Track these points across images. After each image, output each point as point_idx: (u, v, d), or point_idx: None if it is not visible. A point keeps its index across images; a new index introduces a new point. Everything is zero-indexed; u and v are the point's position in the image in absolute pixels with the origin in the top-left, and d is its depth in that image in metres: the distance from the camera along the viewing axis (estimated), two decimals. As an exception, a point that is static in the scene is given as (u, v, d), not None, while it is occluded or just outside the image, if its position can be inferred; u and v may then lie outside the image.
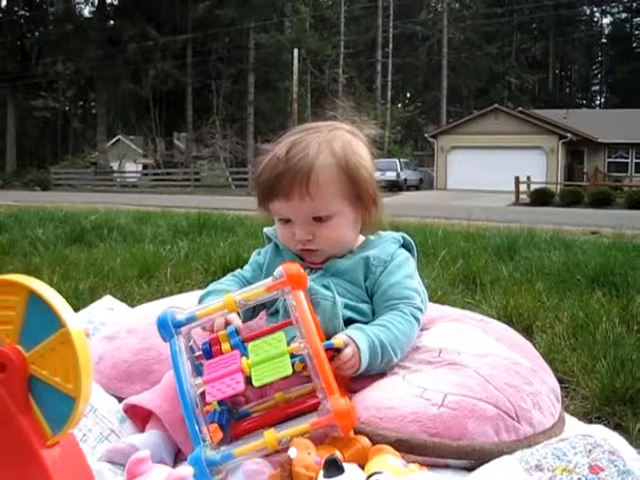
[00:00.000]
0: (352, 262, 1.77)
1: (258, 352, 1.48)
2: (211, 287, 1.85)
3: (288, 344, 1.47)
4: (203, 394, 1.45)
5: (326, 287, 1.73)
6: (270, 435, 1.38)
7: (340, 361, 1.53)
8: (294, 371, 1.45)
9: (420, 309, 1.75)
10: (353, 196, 1.74)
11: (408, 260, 1.82)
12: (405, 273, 1.77)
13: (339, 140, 1.76)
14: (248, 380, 1.45)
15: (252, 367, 1.45)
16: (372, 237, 1.85)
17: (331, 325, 1.67)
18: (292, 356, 1.45)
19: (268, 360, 1.45)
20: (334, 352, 1.53)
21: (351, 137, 1.80)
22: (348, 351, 1.53)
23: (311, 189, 1.68)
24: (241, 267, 1.97)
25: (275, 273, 1.54)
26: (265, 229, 1.94)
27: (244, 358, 1.48)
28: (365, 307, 1.75)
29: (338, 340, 1.53)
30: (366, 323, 1.69)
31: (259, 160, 1.80)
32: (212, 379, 1.46)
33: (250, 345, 1.52)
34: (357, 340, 1.55)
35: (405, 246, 1.86)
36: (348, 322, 1.70)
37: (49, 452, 0.85)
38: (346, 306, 1.72)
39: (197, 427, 1.41)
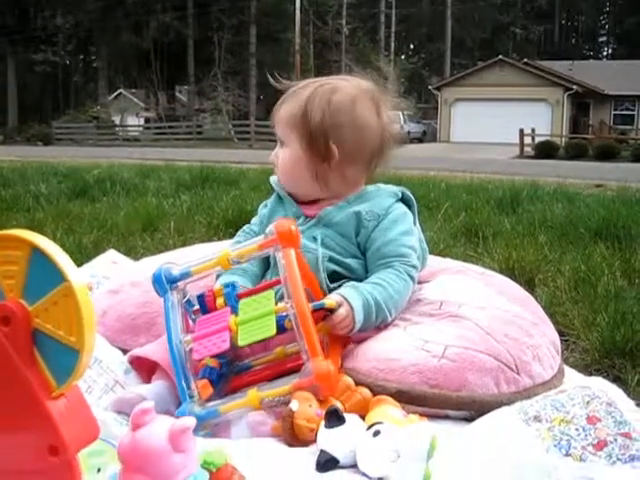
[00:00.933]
0: (344, 215, 1.75)
1: (246, 310, 1.49)
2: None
3: (277, 303, 1.47)
4: None
5: (314, 239, 1.72)
6: (253, 394, 1.39)
7: (333, 321, 1.53)
8: (285, 329, 1.45)
9: (415, 267, 1.73)
10: (307, 135, 1.75)
11: (405, 215, 1.79)
12: (401, 229, 1.74)
13: (333, 83, 1.80)
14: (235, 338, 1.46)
15: (239, 325, 1.45)
16: (370, 188, 1.83)
17: (317, 279, 1.67)
18: (282, 316, 1.45)
19: (254, 319, 1.45)
20: (327, 312, 1.53)
21: (356, 93, 1.79)
22: (341, 311, 1.53)
23: (277, 111, 1.82)
24: (245, 220, 1.98)
25: (267, 230, 1.54)
26: (271, 178, 1.94)
27: (233, 316, 1.48)
28: (353, 262, 1.74)
29: (330, 301, 1.53)
30: (354, 279, 1.69)
31: None
32: (201, 336, 1.46)
33: (241, 303, 1.53)
34: (351, 300, 1.55)
35: (405, 202, 1.83)
36: (334, 276, 1.70)
37: (55, 404, 0.86)
38: (332, 259, 1.71)
39: (185, 383, 1.43)
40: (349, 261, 1.74)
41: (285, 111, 1.79)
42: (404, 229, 1.76)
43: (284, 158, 1.81)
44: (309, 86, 1.80)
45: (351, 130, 1.76)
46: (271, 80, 1.91)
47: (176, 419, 1.03)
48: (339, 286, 1.65)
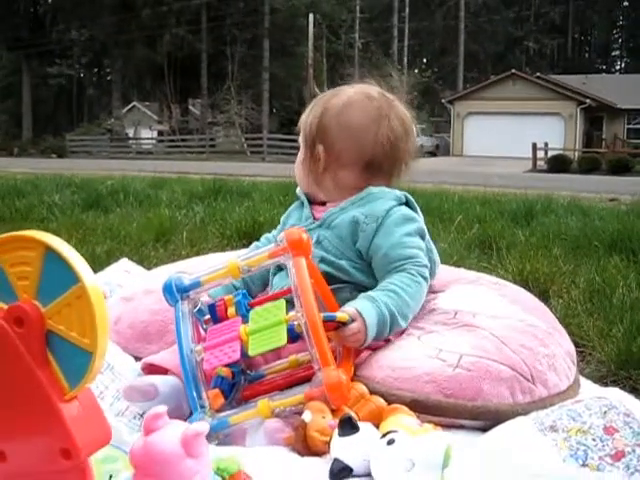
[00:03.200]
0: (343, 218, 1.75)
1: (257, 320, 1.48)
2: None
3: (288, 312, 1.46)
4: None
5: (318, 242, 1.73)
6: (264, 404, 1.38)
7: (344, 334, 1.52)
8: (297, 337, 1.44)
9: (426, 266, 1.72)
10: (303, 141, 1.86)
11: (407, 217, 1.76)
12: (404, 231, 1.73)
13: (356, 88, 1.87)
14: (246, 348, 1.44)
15: (249, 335, 1.44)
16: (374, 190, 1.80)
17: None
18: (293, 324, 1.44)
19: (265, 329, 1.44)
20: (339, 324, 1.51)
21: (355, 97, 1.83)
22: (354, 326, 1.51)
23: (305, 118, 1.87)
24: (258, 231, 2.00)
25: (278, 238, 1.54)
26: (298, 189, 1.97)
27: (243, 326, 1.47)
28: (347, 264, 1.72)
29: (342, 315, 1.51)
30: (348, 282, 1.69)
31: None
32: (212, 346, 1.46)
33: (251, 312, 1.52)
34: (365, 314, 1.53)
35: (409, 206, 1.82)
36: (326, 276, 1.68)
37: (67, 406, 0.86)
38: (323, 260, 1.71)
39: (195, 393, 1.42)
40: (342, 263, 1.72)
41: (309, 116, 1.86)
42: (408, 230, 1.74)
43: (297, 159, 1.90)
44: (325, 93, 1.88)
45: (338, 132, 1.79)
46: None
47: (189, 424, 1.03)
48: (335, 290, 1.65)
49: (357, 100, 1.81)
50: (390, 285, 1.64)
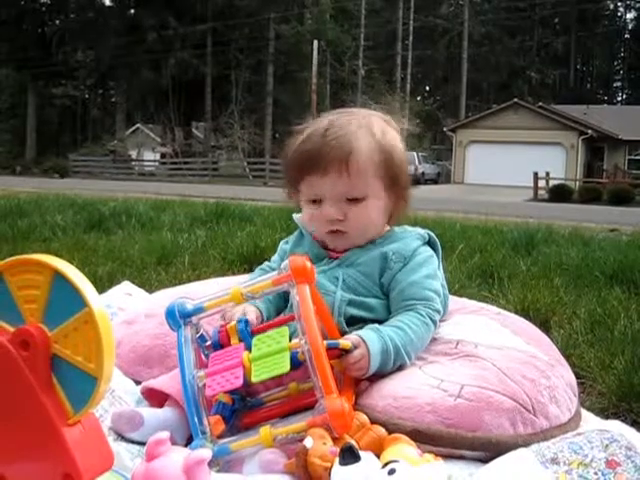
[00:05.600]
0: (370, 255, 1.74)
1: (261, 346, 1.47)
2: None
3: (291, 339, 1.46)
4: None
5: (336, 279, 1.71)
6: (266, 431, 1.37)
7: (347, 362, 1.51)
8: (299, 365, 1.44)
9: (438, 311, 1.72)
10: (388, 179, 1.74)
11: (431, 259, 1.77)
12: (426, 272, 1.73)
13: (376, 124, 1.77)
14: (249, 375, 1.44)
15: (252, 362, 1.44)
16: (397, 229, 1.81)
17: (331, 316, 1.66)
18: (295, 352, 1.44)
19: (268, 356, 1.44)
20: (342, 352, 1.51)
21: (385, 124, 1.80)
22: (356, 354, 1.51)
23: (350, 166, 1.68)
24: (259, 256, 1.99)
25: (282, 266, 1.53)
26: (294, 215, 1.92)
27: (246, 352, 1.47)
28: (374, 302, 1.72)
29: (345, 342, 1.50)
30: (374, 320, 1.67)
31: (292, 139, 1.81)
32: (214, 372, 1.45)
33: (255, 339, 1.51)
34: (369, 343, 1.52)
35: (430, 244, 1.82)
36: (352, 320, 1.68)
37: (70, 430, 0.86)
38: (351, 302, 1.70)
39: (197, 419, 1.41)
40: (370, 301, 1.72)
41: (361, 159, 1.72)
42: (428, 272, 1.74)
43: (365, 212, 1.74)
44: (351, 124, 1.76)
45: (402, 158, 1.79)
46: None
47: (191, 451, 1.02)
48: (358, 329, 1.62)
49: (390, 129, 1.80)
50: (397, 322, 1.64)
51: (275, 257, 1.94)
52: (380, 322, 1.66)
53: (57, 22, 50.62)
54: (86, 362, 0.84)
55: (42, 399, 0.85)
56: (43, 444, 0.86)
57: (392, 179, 1.74)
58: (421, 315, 1.67)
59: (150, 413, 1.53)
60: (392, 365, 1.59)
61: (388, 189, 1.75)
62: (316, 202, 1.74)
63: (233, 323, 1.59)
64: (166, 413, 1.55)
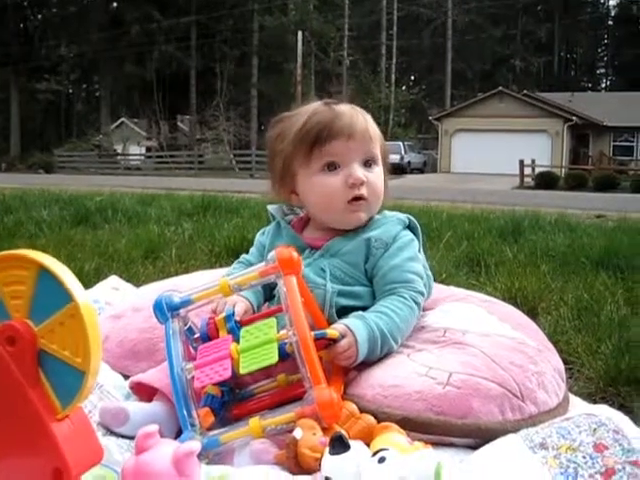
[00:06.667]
0: (353, 243, 1.75)
1: (249, 338, 1.47)
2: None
3: (279, 330, 1.46)
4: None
5: (322, 270, 1.71)
6: (255, 423, 1.37)
7: (335, 351, 1.52)
8: (287, 356, 1.44)
9: (422, 293, 1.73)
10: (383, 152, 1.81)
11: (412, 242, 1.78)
12: (407, 255, 1.74)
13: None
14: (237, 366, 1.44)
15: (241, 353, 1.44)
16: (377, 216, 1.82)
17: (324, 314, 1.67)
18: (284, 343, 1.44)
19: (256, 347, 1.44)
20: (329, 341, 1.51)
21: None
22: (344, 342, 1.51)
23: (371, 130, 1.76)
24: (246, 248, 1.97)
25: (268, 257, 1.53)
26: (269, 206, 1.93)
27: (234, 344, 1.47)
28: (362, 290, 1.73)
29: (333, 331, 1.51)
30: (363, 308, 1.68)
31: (282, 124, 1.83)
32: (202, 364, 1.45)
33: (243, 330, 1.52)
34: (356, 331, 1.53)
35: (410, 228, 1.83)
36: (342, 310, 1.69)
37: (59, 425, 0.86)
38: (340, 293, 1.70)
39: (186, 411, 1.42)
40: (357, 289, 1.73)
41: (372, 127, 1.79)
42: (409, 255, 1.75)
43: (378, 177, 1.79)
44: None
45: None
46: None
47: (180, 443, 1.02)
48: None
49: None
50: (381, 307, 1.65)
51: (253, 250, 1.93)
52: (367, 309, 1.67)
53: (39, 16, 50.24)
54: (73, 356, 0.84)
55: (30, 395, 0.85)
56: (32, 440, 0.86)
57: (384, 152, 1.81)
58: (404, 298, 1.67)
59: (138, 408, 1.53)
60: (380, 351, 1.60)
61: (383, 161, 1.81)
62: (331, 169, 1.73)
63: (222, 315, 1.60)
64: (155, 407, 1.54)
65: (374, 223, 1.80)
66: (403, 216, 1.84)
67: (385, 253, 1.73)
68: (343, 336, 1.52)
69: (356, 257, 1.74)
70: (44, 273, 0.84)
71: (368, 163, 1.75)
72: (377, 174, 1.77)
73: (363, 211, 1.76)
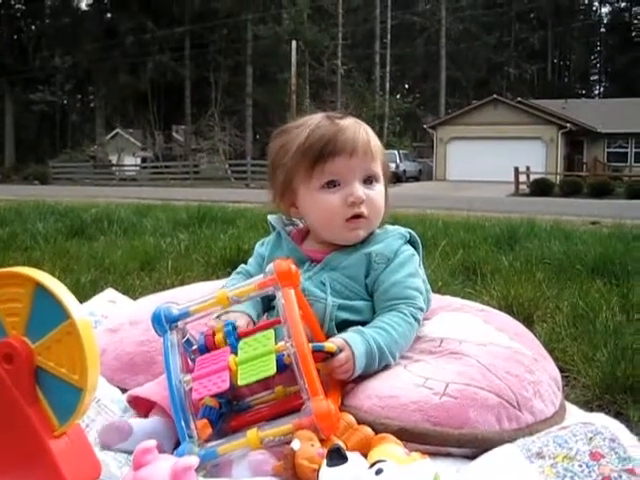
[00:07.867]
0: (353, 257, 1.74)
1: (247, 350, 1.47)
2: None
3: (277, 342, 1.46)
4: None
5: (323, 284, 1.71)
6: (253, 434, 1.37)
7: (333, 365, 1.52)
8: (285, 368, 1.44)
9: (421, 309, 1.73)
10: (383, 166, 1.80)
11: (413, 257, 1.78)
12: (408, 271, 1.74)
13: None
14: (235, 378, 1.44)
15: (239, 365, 1.44)
16: (378, 231, 1.81)
17: (324, 328, 1.67)
18: (282, 355, 1.44)
19: (254, 359, 1.44)
20: (327, 355, 1.51)
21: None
22: (341, 356, 1.52)
23: (372, 147, 1.75)
24: (242, 259, 1.97)
25: (267, 270, 1.53)
26: (269, 217, 1.92)
27: (232, 356, 1.47)
28: (362, 304, 1.73)
29: (330, 345, 1.51)
30: (363, 322, 1.68)
31: (283, 137, 1.80)
32: (200, 375, 1.45)
33: (241, 342, 1.52)
34: (354, 345, 1.53)
35: (411, 242, 1.83)
36: (342, 324, 1.69)
37: (56, 442, 0.86)
38: (341, 307, 1.70)
39: (184, 423, 1.41)
40: (358, 304, 1.73)
41: (374, 142, 1.78)
42: (410, 271, 1.75)
43: (379, 195, 1.79)
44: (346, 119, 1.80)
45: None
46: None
47: (178, 458, 1.02)
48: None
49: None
50: (380, 323, 1.65)
51: (251, 260, 1.93)
52: (367, 323, 1.67)
53: (33, 27, 50.28)
54: (70, 373, 0.84)
55: (27, 412, 0.85)
56: (30, 457, 0.86)
57: (384, 167, 1.80)
58: (404, 314, 1.68)
59: (137, 424, 1.53)
60: (377, 366, 1.60)
61: (384, 175, 1.80)
62: (331, 187, 1.73)
63: (220, 326, 1.59)
64: (153, 423, 1.54)
65: (375, 237, 1.80)
66: (404, 230, 1.83)
67: (386, 268, 1.73)
68: (341, 350, 1.52)
69: (357, 271, 1.74)
70: (40, 290, 0.84)
71: (369, 180, 1.75)
72: (377, 191, 1.77)
73: (362, 229, 1.76)
